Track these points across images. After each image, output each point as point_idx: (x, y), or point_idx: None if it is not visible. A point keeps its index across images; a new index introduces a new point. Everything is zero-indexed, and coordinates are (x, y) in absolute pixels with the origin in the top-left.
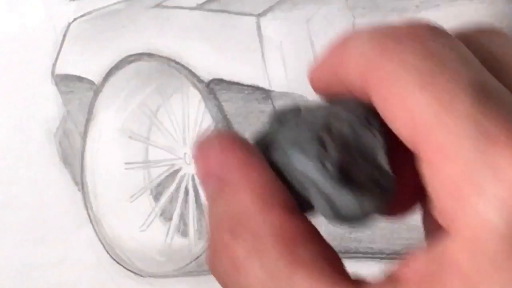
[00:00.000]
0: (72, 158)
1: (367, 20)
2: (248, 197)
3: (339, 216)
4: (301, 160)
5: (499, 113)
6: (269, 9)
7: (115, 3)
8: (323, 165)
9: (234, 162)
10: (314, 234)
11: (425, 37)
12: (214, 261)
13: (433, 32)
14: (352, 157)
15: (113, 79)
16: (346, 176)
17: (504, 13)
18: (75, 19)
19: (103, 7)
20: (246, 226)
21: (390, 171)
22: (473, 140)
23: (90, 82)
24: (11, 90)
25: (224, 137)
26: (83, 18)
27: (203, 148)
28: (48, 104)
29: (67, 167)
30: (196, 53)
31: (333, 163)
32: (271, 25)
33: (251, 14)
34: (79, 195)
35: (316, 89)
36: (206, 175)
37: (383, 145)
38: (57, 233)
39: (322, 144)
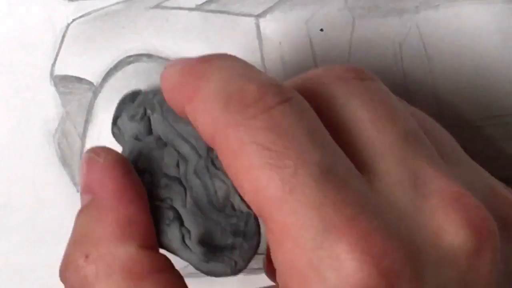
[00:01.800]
0: (71, 159)
1: (366, 20)
2: (110, 225)
3: (214, 276)
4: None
5: (343, 199)
6: (269, 10)
7: (114, 4)
8: (185, 246)
9: (110, 185)
10: (164, 271)
11: (272, 106)
12: (65, 272)
13: (281, 98)
14: (208, 217)
15: (112, 80)
16: (210, 246)
17: (504, 13)
18: (74, 20)
19: (102, 8)
20: (100, 253)
21: (249, 211)
22: (317, 230)
23: (89, 83)
24: (9, 91)
25: (110, 155)
26: (82, 18)
27: (90, 160)
28: (47, 105)
29: (66, 168)
30: (196, 53)
31: (194, 240)
32: (271, 25)
33: (250, 15)
34: (78, 196)
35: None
36: (84, 187)
37: (232, 186)
38: (56, 234)
39: (179, 219)
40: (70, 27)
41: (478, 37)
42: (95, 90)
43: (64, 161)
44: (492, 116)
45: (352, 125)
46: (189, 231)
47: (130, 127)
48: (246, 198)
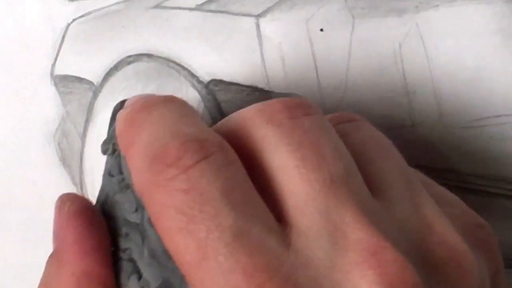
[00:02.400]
0: (71, 159)
1: (366, 20)
2: (66, 278)
3: None
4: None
5: (254, 265)
6: (269, 10)
7: (114, 4)
8: None
9: (70, 237)
10: None
11: (190, 165)
12: None
13: (201, 155)
14: (165, 266)
15: (112, 80)
16: None
17: (504, 13)
18: (74, 20)
19: (102, 8)
20: None
21: None
22: None
23: (90, 82)
24: (10, 91)
25: (74, 204)
26: (82, 18)
27: (57, 208)
28: (47, 105)
29: (66, 168)
30: (195, 53)
31: None
32: (271, 25)
33: (250, 15)
34: None
35: None
36: (52, 235)
37: None
38: None
39: (138, 272)
40: (70, 27)
41: (478, 37)
42: (95, 90)
43: (64, 161)
44: (492, 116)
45: (279, 174)
46: (148, 283)
47: (105, 160)
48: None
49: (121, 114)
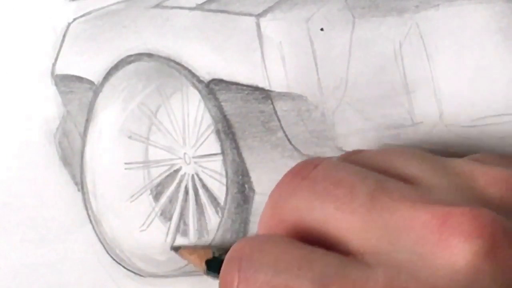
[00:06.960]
0: (72, 158)
1: (367, 19)
2: None
3: None
4: None
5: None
6: (269, 9)
7: (114, 3)
8: None
9: None
10: None
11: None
12: None
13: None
14: None
15: (113, 79)
16: None
17: (504, 12)
18: (75, 19)
19: (103, 7)
20: None
21: None
22: None
23: (90, 82)
24: (10, 90)
25: None
26: (83, 18)
27: None
28: (48, 104)
29: (66, 167)
30: (196, 53)
31: None
32: (271, 25)
33: (250, 14)
34: (79, 195)
35: None
36: None
37: None
38: (56, 233)
39: None
40: (71, 27)
41: (478, 36)
42: (96, 89)
43: (65, 161)
44: (492, 115)
45: (330, 223)
46: None
47: None
48: None
49: None
